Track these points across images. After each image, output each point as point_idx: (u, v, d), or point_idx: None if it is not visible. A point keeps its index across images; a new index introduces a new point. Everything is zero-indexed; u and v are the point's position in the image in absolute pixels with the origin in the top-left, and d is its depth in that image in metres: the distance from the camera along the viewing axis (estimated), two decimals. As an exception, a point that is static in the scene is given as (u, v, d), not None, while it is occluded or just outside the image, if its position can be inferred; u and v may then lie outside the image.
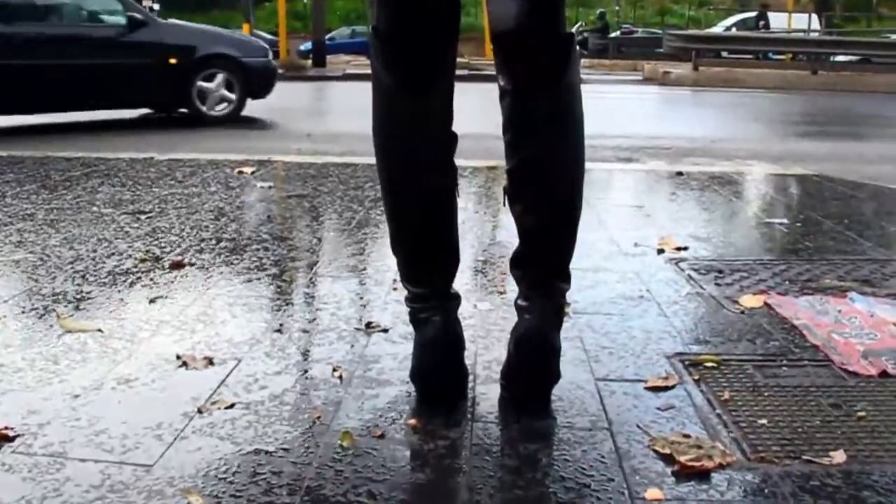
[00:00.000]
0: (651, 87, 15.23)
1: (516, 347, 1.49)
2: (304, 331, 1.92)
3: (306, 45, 27.74)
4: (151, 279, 2.31)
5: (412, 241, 1.51)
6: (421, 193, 1.46)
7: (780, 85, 15.96)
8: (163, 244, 2.70)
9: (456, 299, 1.55)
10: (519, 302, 1.51)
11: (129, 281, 2.29)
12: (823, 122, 9.68)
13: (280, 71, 16.08)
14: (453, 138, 1.47)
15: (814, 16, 27.24)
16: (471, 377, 1.63)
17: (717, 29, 27.59)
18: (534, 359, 1.48)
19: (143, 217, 3.10)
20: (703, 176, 4.49)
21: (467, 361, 1.61)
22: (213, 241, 2.76)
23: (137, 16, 7.63)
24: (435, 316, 1.50)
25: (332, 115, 9.82)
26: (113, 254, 2.58)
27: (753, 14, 27.59)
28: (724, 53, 19.18)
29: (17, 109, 7.25)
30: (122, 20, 7.53)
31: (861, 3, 40.55)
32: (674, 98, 13.52)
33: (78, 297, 2.13)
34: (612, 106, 10.86)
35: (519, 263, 1.53)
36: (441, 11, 1.38)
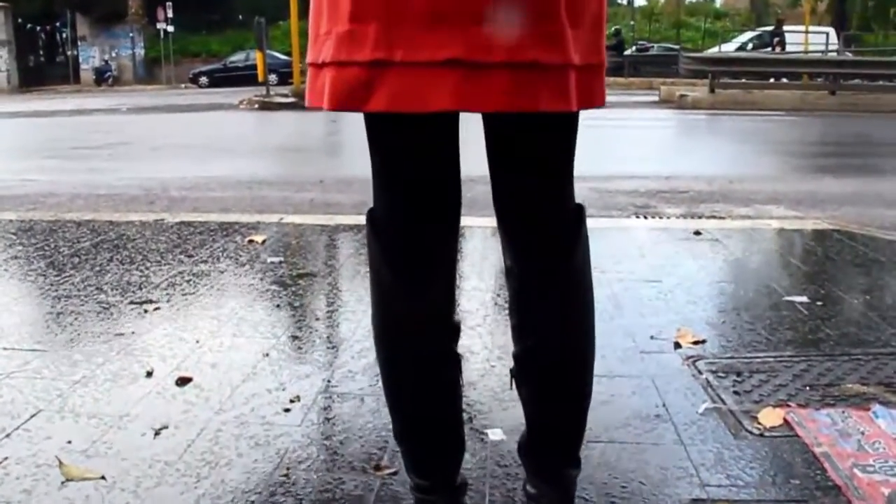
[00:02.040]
0: (667, 112, 15.15)
1: None
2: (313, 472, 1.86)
3: (321, 66, 27.73)
4: (155, 403, 2.25)
5: (414, 433, 1.44)
6: (423, 386, 1.39)
7: (798, 106, 15.86)
8: (167, 351, 2.65)
9: (462, 488, 1.49)
10: (528, 489, 1.45)
11: (133, 412, 2.23)
12: (842, 154, 9.56)
13: (293, 100, 16.26)
14: (456, 329, 1.40)
15: (831, 31, 27.18)
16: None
17: (731, 46, 27.48)
18: None
19: (149, 310, 3.05)
20: (721, 234, 4.42)
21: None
22: (220, 349, 2.70)
23: None
24: None
25: (345, 153, 9.74)
26: (116, 376, 2.53)
27: (770, 28, 27.49)
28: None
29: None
30: None
31: (877, 14, 40.32)
32: (690, 126, 13.44)
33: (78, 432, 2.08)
34: (629, 137, 10.80)
35: (526, 450, 1.46)
36: (443, 207, 1.32)
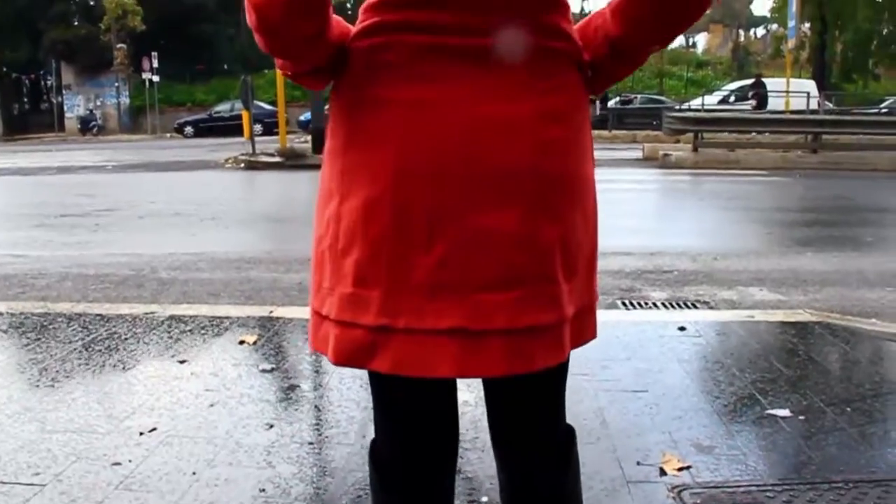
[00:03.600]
0: (651, 172, 15.31)
1: None
2: None
3: (306, 116, 27.94)
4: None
5: None
6: None
7: (781, 165, 16.08)
8: (164, 485, 2.68)
9: None
10: None
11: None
12: (824, 222, 9.70)
13: (278, 160, 16.37)
14: None
15: (812, 86, 27.61)
16: None
17: (714, 98, 27.85)
18: None
19: (144, 431, 3.08)
20: (705, 329, 4.50)
21: None
22: (217, 482, 2.74)
23: None
24: None
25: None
26: None
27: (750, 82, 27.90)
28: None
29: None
30: None
31: (857, 64, 40.97)
32: (674, 189, 13.60)
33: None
34: (614, 202, 10.88)
35: None
36: (441, 443, 1.39)
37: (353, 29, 1.29)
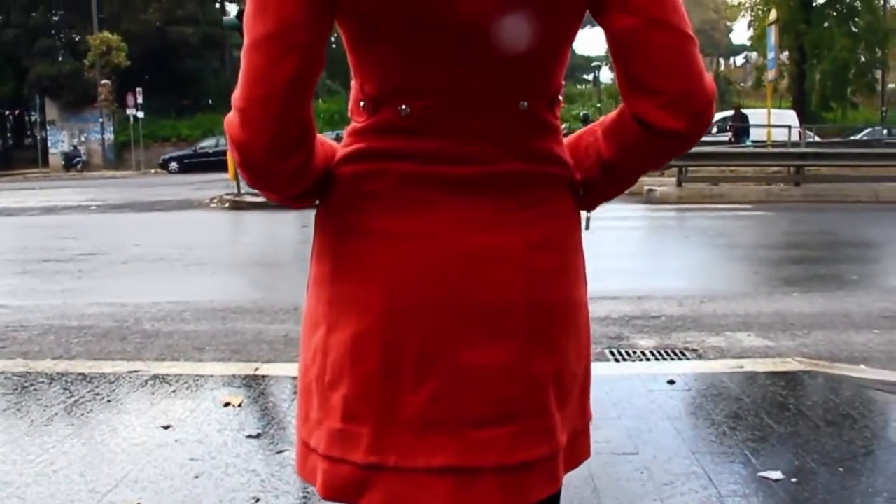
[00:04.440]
0: (636, 208, 15.32)
1: None
2: None
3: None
4: None
5: None
6: None
7: (764, 199, 16.17)
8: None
9: None
10: None
11: None
12: (809, 260, 9.73)
13: (264, 200, 16.26)
14: None
15: (793, 116, 27.85)
16: None
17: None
18: None
19: (126, 505, 3.03)
20: (695, 383, 4.48)
21: None
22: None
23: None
24: None
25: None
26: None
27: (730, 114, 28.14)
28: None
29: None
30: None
31: (836, 93, 41.42)
32: (660, 226, 13.65)
33: None
34: (600, 242, 10.86)
35: None
36: None
37: (338, 152, 1.27)
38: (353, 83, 1.25)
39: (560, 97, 1.29)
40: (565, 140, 1.33)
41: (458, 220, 1.19)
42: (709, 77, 1.23)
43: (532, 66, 1.21)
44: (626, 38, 1.19)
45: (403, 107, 1.19)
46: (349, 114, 1.28)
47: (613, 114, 1.29)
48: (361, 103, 1.24)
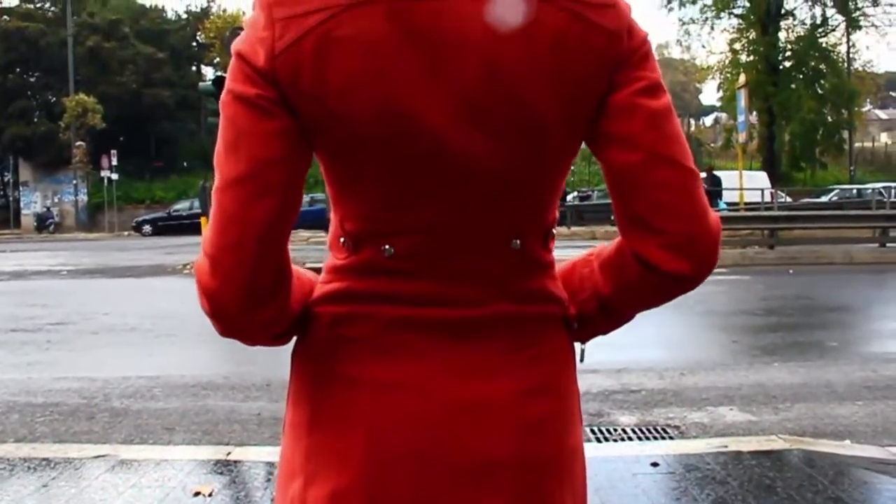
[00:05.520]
0: (612, 271, 15.32)
1: None
2: None
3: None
4: None
5: None
6: None
7: (739, 262, 16.23)
8: None
9: None
10: None
11: None
12: (787, 326, 9.70)
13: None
14: None
15: (764, 177, 28.18)
16: None
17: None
18: None
19: None
20: (678, 465, 4.37)
21: None
22: None
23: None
24: None
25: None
26: None
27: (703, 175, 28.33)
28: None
29: None
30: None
31: (805, 153, 42.02)
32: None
33: None
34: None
35: None
36: None
37: (317, 289, 1.18)
38: (331, 215, 1.17)
39: (554, 231, 1.21)
40: (557, 268, 1.24)
41: (445, 366, 1.10)
42: (714, 214, 1.15)
43: (525, 202, 1.13)
44: (625, 172, 1.11)
45: (387, 247, 1.10)
46: (328, 248, 1.19)
47: (612, 248, 1.21)
48: (342, 239, 1.15)
